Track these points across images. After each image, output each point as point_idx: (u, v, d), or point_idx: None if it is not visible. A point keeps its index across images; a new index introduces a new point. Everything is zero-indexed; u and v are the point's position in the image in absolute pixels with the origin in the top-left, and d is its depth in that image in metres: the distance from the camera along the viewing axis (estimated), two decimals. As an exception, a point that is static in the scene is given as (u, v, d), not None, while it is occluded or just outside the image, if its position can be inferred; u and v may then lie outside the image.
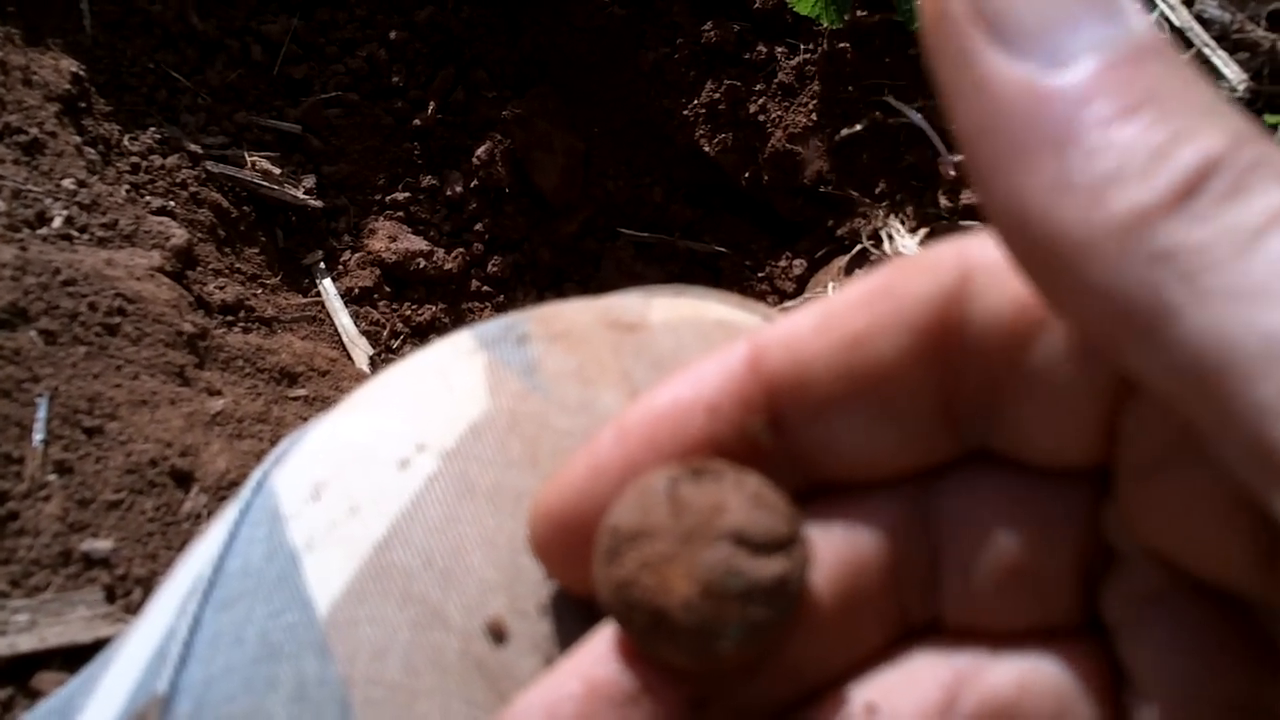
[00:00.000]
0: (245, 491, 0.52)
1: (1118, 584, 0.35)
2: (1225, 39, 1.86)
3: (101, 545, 1.27)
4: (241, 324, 1.75)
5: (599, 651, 0.37)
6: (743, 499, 0.34)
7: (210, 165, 1.93)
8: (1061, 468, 0.34)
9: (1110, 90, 0.27)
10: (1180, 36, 1.87)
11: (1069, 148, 0.27)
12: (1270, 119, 1.78)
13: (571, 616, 0.44)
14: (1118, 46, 0.28)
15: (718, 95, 2.09)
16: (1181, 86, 0.27)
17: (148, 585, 1.28)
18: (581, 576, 0.37)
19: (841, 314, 0.34)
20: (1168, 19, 1.87)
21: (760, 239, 2.13)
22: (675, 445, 0.35)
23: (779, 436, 0.35)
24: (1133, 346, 0.27)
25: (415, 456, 0.48)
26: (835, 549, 0.37)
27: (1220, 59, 1.83)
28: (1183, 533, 0.32)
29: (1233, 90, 1.82)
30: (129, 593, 1.28)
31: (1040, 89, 0.28)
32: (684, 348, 0.51)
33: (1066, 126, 0.28)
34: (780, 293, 2.06)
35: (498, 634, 0.44)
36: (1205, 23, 1.87)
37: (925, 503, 0.37)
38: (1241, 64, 1.83)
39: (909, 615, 0.38)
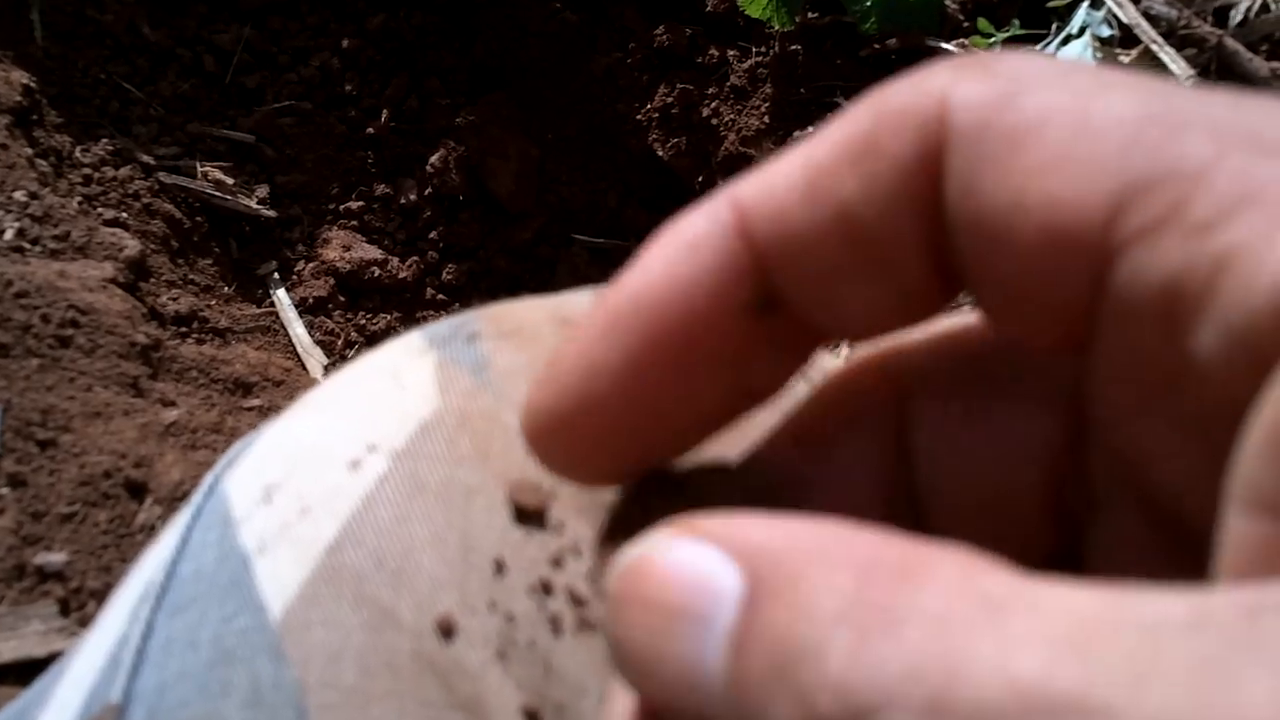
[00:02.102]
0: (197, 496, 0.52)
1: (1099, 527, 0.35)
2: (1172, 35, 1.87)
3: (55, 558, 1.27)
4: (195, 335, 1.74)
5: None
6: None
7: (163, 176, 1.92)
8: (1036, 346, 0.33)
9: None
10: (1128, 33, 1.88)
11: None
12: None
13: (523, 610, 0.44)
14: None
15: (670, 99, 2.09)
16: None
17: (102, 598, 1.27)
18: (581, 470, 0.36)
19: (828, 177, 0.32)
20: (1115, 16, 1.88)
21: (715, 242, 2.13)
22: (673, 334, 0.32)
23: (772, 308, 0.33)
24: None
25: (366, 457, 0.48)
26: (821, 486, 0.37)
27: (1168, 55, 1.84)
28: (1152, 474, 0.31)
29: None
30: (83, 606, 1.27)
31: None
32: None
33: None
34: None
35: (446, 630, 0.44)
36: (1152, 19, 1.88)
37: (903, 435, 0.37)
38: (1189, 60, 1.84)
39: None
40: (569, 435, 0.34)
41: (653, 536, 0.30)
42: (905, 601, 0.25)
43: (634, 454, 0.35)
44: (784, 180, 0.33)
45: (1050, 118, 0.30)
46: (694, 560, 0.28)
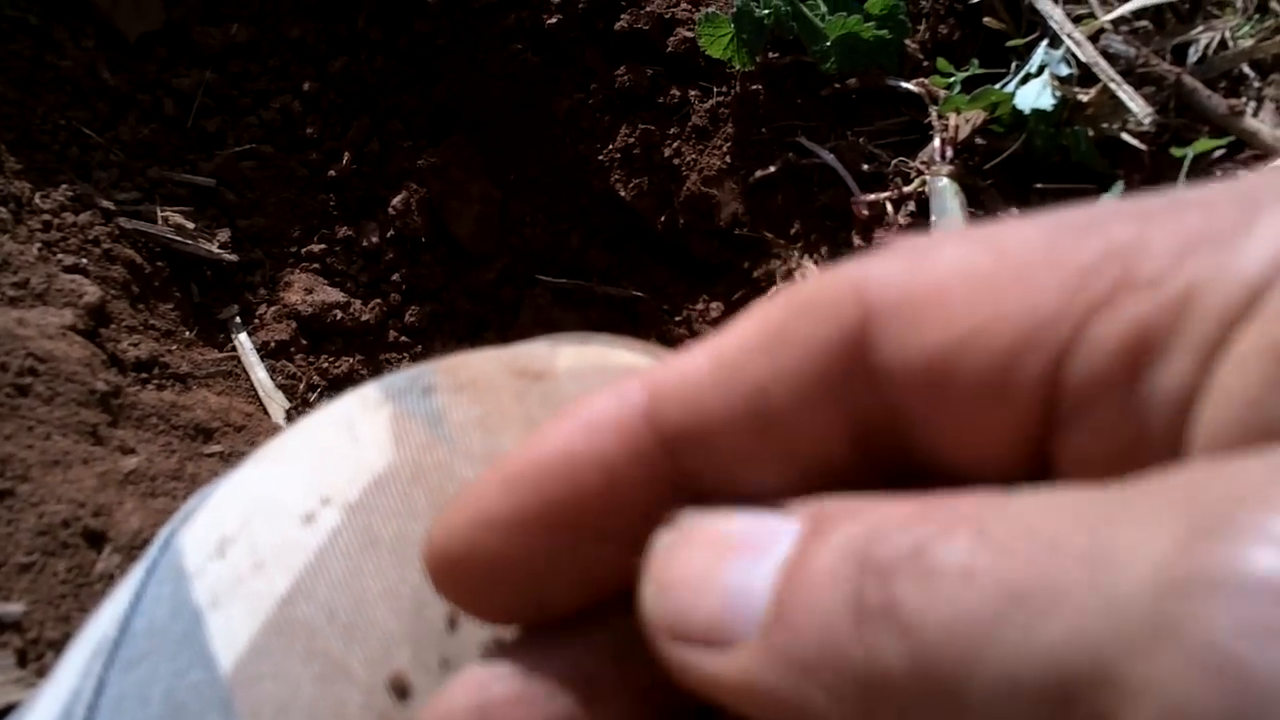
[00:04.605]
0: (153, 550, 0.52)
1: None
2: (1131, 74, 1.88)
3: (13, 609, 1.26)
4: (156, 381, 1.73)
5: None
6: None
7: (123, 221, 1.91)
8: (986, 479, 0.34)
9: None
10: (1086, 72, 1.90)
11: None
12: (1177, 152, 1.81)
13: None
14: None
15: (632, 139, 2.09)
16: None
17: (60, 648, 1.26)
18: (481, 606, 0.36)
19: (739, 362, 0.33)
20: (1074, 55, 1.90)
21: (677, 283, 2.13)
22: (565, 500, 0.34)
23: (678, 482, 0.34)
24: None
25: (320, 510, 0.48)
26: None
27: (1126, 93, 1.85)
28: None
29: (1139, 124, 1.84)
30: (41, 656, 1.26)
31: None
32: (590, 394, 0.51)
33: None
34: (698, 336, 2.06)
35: (400, 690, 0.43)
36: (1111, 58, 1.89)
37: None
38: (1147, 98, 1.85)
39: None
40: (464, 576, 0.35)
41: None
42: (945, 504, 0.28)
43: (526, 601, 0.36)
44: (695, 366, 0.34)
45: (966, 260, 0.31)
46: (752, 515, 0.32)
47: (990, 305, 0.30)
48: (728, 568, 0.30)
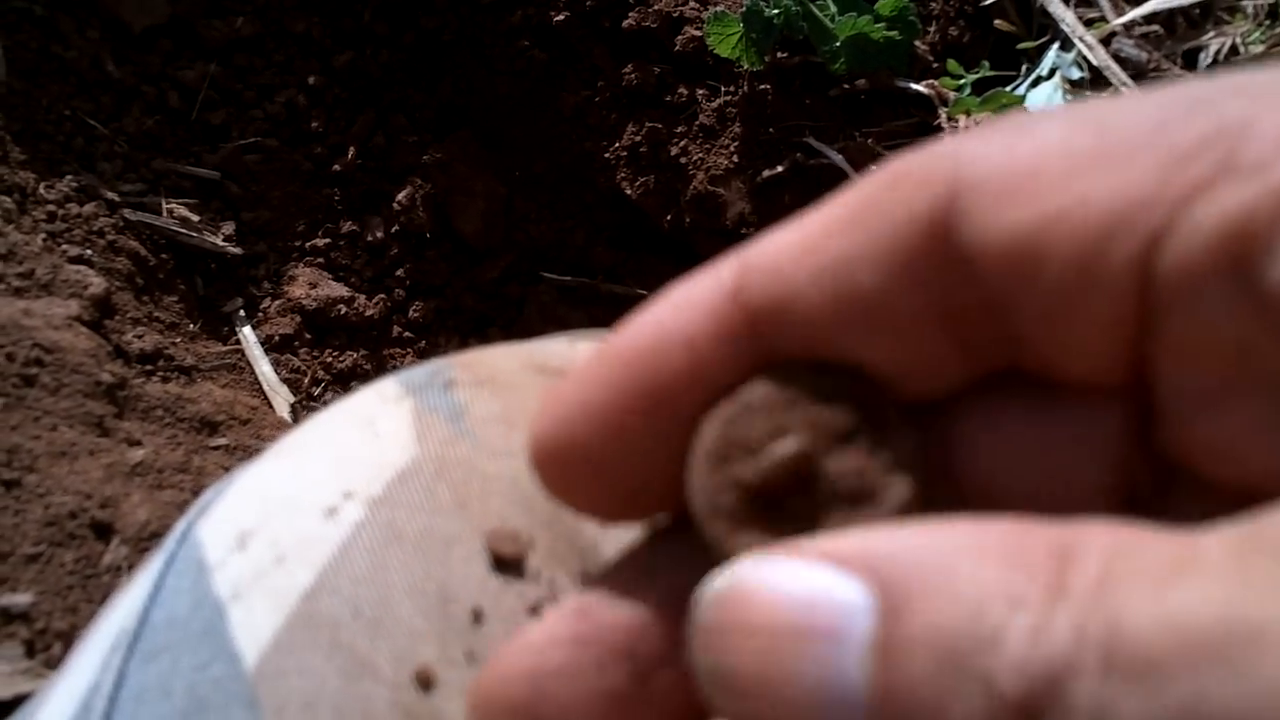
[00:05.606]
0: (170, 542, 0.52)
1: (1171, 507, 0.32)
2: (1142, 78, 1.88)
3: (20, 599, 1.25)
4: (161, 373, 1.73)
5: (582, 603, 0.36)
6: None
7: (128, 213, 1.91)
8: (1093, 388, 0.32)
9: None
10: (1098, 75, 1.89)
11: None
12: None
13: None
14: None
15: (639, 137, 2.09)
16: None
17: (68, 639, 1.26)
18: (586, 500, 0.36)
19: (827, 235, 0.32)
20: (1085, 58, 1.89)
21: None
22: (657, 379, 0.33)
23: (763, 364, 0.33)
24: None
25: (342, 504, 0.48)
26: None
27: (1136, 98, 1.84)
28: (1241, 466, 0.29)
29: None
30: (49, 647, 1.26)
31: None
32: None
33: None
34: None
35: (425, 682, 0.43)
36: (1122, 62, 1.89)
37: (944, 430, 0.35)
38: (1157, 103, 1.85)
39: None
40: (567, 466, 0.35)
41: (740, 563, 0.30)
42: (1068, 578, 0.25)
43: (627, 491, 0.35)
44: (783, 241, 0.33)
45: (1065, 137, 0.29)
46: (802, 579, 0.28)
47: (1083, 185, 0.28)
48: (801, 658, 0.27)
